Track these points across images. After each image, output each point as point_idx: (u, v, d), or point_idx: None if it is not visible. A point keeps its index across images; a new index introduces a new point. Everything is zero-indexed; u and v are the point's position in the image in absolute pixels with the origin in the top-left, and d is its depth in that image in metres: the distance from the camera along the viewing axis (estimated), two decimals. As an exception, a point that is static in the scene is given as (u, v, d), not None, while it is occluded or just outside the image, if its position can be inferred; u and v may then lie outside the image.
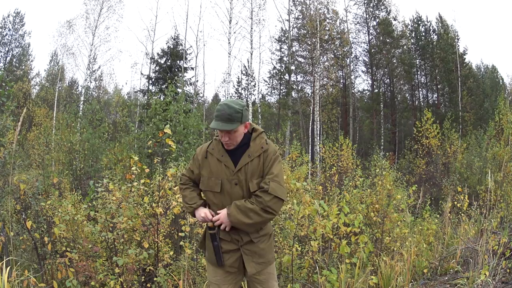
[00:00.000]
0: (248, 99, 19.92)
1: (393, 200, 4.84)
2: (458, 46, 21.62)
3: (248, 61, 19.42)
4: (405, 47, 23.00)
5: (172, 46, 20.06)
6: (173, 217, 4.40)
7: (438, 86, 22.65)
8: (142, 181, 3.69)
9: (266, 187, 1.87)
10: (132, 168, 3.60)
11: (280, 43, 23.56)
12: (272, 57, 23.18)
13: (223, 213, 1.95)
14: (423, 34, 23.16)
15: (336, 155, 13.19)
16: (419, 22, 23.25)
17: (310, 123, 18.84)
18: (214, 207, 2.03)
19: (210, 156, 2.03)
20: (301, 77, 23.66)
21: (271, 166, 1.93)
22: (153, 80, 19.87)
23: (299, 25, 22.17)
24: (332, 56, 22.07)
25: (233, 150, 1.99)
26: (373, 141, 20.24)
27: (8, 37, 24.53)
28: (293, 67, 21.97)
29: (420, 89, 23.70)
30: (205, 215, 2.00)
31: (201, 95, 21.54)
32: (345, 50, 22.38)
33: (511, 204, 6.55)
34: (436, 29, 23.12)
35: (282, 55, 23.23)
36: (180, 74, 19.16)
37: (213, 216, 2.00)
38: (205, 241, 2.12)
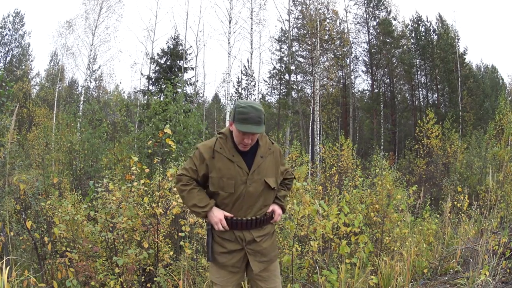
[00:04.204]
0: (248, 99, 19.89)
1: (393, 200, 4.82)
2: (458, 46, 21.64)
3: (248, 61, 19.44)
4: (405, 47, 22.98)
5: (172, 46, 20.04)
6: (173, 217, 4.39)
7: (438, 86, 22.64)
8: (142, 181, 3.69)
9: (292, 176, 2.31)
10: (132, 168, 3.60)
11: (280, 43, 23.55)
12: (272, 57, 23.19)
13: (277, 212, 2.16)
14: (423, 34, 23.13)
15: (336, 155, 13.17)
16: (419, 22, 23.24)
17: (310, 123, 18.84)
18: (223, 207, 2.00)
19: (219, 155, 1.96)
20: (301, 77, 23.70)
21: (282, 161, 2.21)
22: (153, 80, 19.84)
23: (299, 25, 22.20)
24: (332, 56, 22.08)
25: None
26: (373, 141, 20.26)
27: (8, 37, 24.57)
28: (293, 67, 21.96)
29: (420, 89, 23.69)
30: (220, 221, 1.96)
31: (201, 95, 21.57)
32: (345, 50, 22.38)
33: (511, 204, 6.54)
34: (436, 29, 23.12)
35: (282, 55, 23.22)
36: (180, 74, 19.14)
37: (226, 219, 1.97)
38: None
